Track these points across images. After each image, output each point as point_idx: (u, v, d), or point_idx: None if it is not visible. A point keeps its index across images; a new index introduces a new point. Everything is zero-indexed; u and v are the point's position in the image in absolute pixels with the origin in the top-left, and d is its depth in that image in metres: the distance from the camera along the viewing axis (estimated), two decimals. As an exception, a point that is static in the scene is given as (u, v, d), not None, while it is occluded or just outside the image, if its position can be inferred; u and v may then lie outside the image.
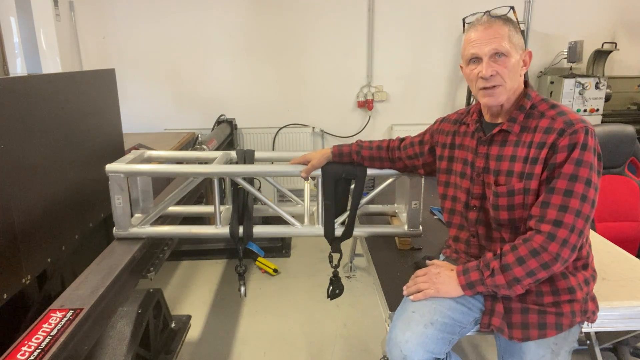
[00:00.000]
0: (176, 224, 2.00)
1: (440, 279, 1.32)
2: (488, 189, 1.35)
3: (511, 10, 1.30)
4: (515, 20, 1.29)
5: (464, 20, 3.58)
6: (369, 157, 1.70)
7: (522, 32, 3.87)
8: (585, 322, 1.34)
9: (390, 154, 1.70)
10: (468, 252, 1.46)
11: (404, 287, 1.38)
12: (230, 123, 3.84)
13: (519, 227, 1.30)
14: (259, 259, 3.12)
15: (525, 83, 1.35)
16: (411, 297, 1.33)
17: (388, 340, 1.30)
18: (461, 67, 1.37)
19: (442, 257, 1.59)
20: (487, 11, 1.32)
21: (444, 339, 1.28)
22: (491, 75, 1.26)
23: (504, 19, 1.28)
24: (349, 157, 1.71)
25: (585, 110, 3.70)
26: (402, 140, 1.71)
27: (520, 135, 1.29)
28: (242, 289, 1.90)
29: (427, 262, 1.43)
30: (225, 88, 4.03)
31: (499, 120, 1.35)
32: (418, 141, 1.65)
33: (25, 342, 1.10)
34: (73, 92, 1.82)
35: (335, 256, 1.79)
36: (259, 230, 1.79)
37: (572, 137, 1.19)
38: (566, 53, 3.80)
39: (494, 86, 1.27)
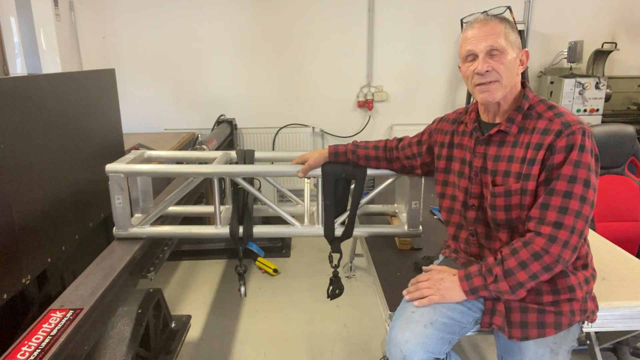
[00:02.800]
0: (176, 224, 2.00)
1: (444, 285, 1.31)
2: (486, 188, 1.35)
3: (507, 10, 1.34)
4: (512, 19, 1.30)
5: (462, 21, 3.59)
6: (365, 156, 1.70)
7: (521, 32, 3.86)
8: (585, 322, 1.34)
9: (388, 154, 1.70)
10: (467, 251, 1.46)
11: (404, 292, 1.37)
12: (230, 123, 3.83)
13: (516, 227, 1.30)
14: (259, 259, 3.12)
15: (523, 84, 1.35)
16: (415, 303, 1.31)
17: (388, 341, 1.30)
18: (459, 67, 1.37)
19: (441, 257, 1.59)
20: (485, 11, 1.34)
21: (443, 339, 1.28)
22: (487, 71, 1.26)
23: (500, 17, 1.30)
24: (344, 156, 1.71)
25: (585, 110, 3.69)
26: (399, 140, 1.70)
27: (518, 136, 1.29)
28: (242, 289, 1.90)
29: (424, 268, 1.42)
30: (225, 88, 4.03)
31: (497, 121, 1.35)
32: (416, 141, 1.65)
33: (25, 342, 1.10)
34: (73, 92, 1.81)
35: (335, 256, 1.79)
36: (259, 230, 1.79)
37: (570, 138, 1.19)
38: (566, 53, 3.79)
39: (490, 82, 1.27)
